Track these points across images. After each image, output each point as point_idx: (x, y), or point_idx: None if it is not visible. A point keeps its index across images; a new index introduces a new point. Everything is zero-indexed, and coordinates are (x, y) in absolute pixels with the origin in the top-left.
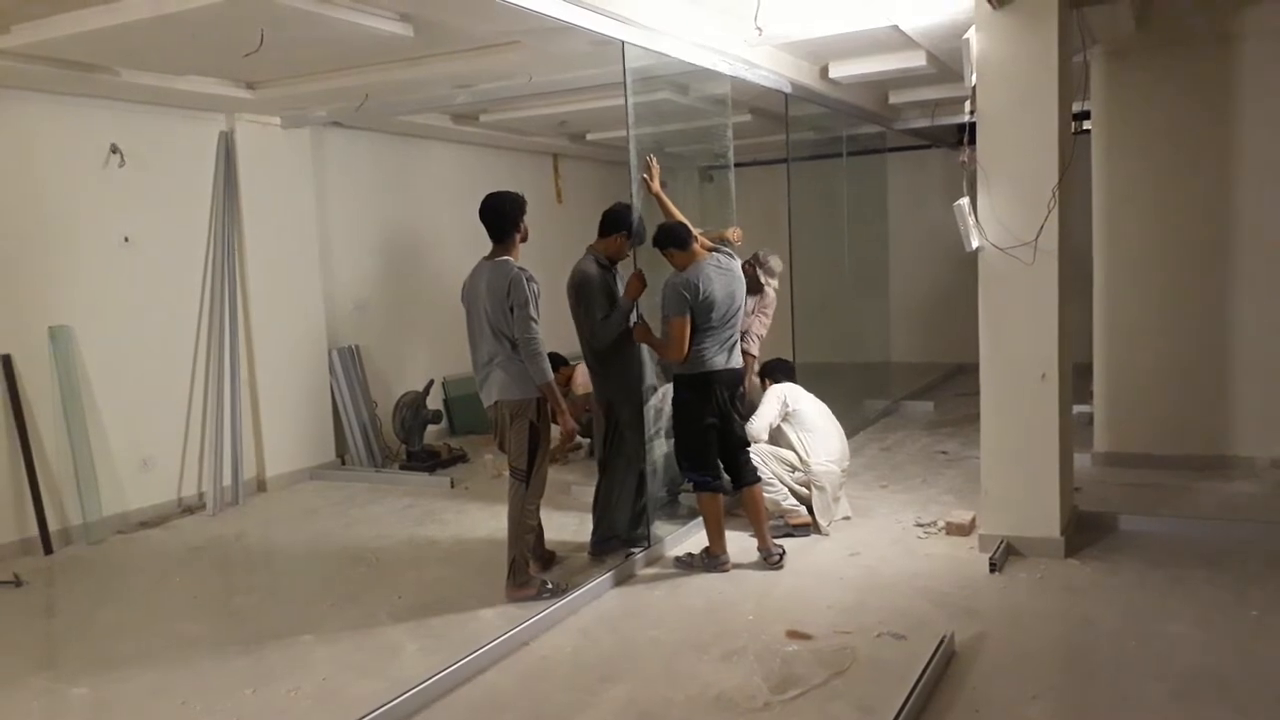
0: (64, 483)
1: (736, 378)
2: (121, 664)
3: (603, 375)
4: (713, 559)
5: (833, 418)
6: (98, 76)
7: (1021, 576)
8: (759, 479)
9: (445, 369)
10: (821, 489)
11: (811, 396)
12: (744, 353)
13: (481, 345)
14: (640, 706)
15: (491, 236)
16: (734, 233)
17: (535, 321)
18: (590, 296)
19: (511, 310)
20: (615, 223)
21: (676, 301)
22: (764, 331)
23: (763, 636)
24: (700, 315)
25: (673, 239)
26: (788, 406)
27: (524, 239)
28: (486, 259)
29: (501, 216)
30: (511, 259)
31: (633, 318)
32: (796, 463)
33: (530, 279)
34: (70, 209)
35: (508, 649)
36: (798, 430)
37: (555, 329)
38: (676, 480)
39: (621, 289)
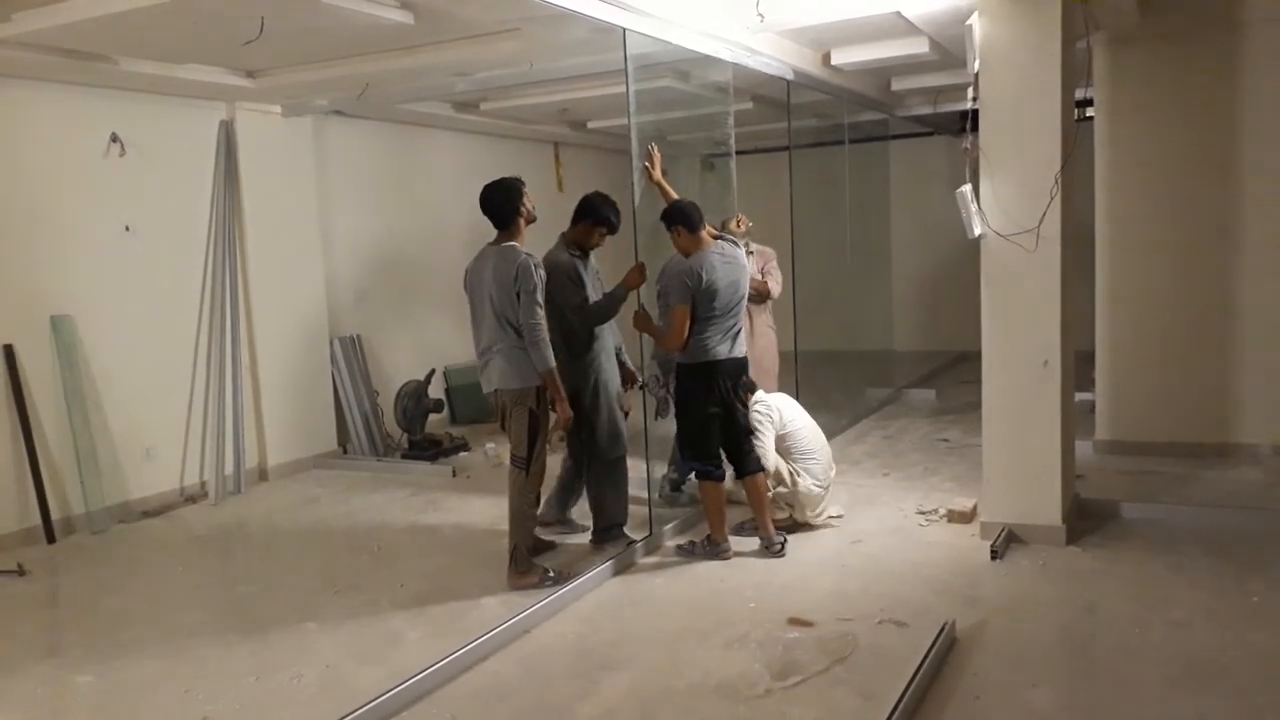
0: (66, 472)
1: (739, 367)
2: (125, 652)
3: (569, 362)
4: (714, 547)
5: (818, 429)
6: (97, 65)
7: (1023, 564)
8: (761, 468)
9: (446, 358)
10: (801, 506)
11: (797, 405)
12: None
13: (483, 332)
14: (642, 694)
15: (495, 225)
16: (736, 221)
17: (540, 308)
18: (559, 283)
19: (518, 296)
20: (584, 210)
21: (679, 289)
22: (778, 288)
23: (764, 624)
24: (702, 304)
25: (683, 219)
26: (784, 426)
27: (530, 220)
28: (492, 245)
29: (501, 205)
30: (518, 244)
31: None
32: (785, 481)
33: (537, 265)
34: (71, 198)
35: (509, 637)
36: (789, 457)
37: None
38: (682, 473)
39: (590, 278)
